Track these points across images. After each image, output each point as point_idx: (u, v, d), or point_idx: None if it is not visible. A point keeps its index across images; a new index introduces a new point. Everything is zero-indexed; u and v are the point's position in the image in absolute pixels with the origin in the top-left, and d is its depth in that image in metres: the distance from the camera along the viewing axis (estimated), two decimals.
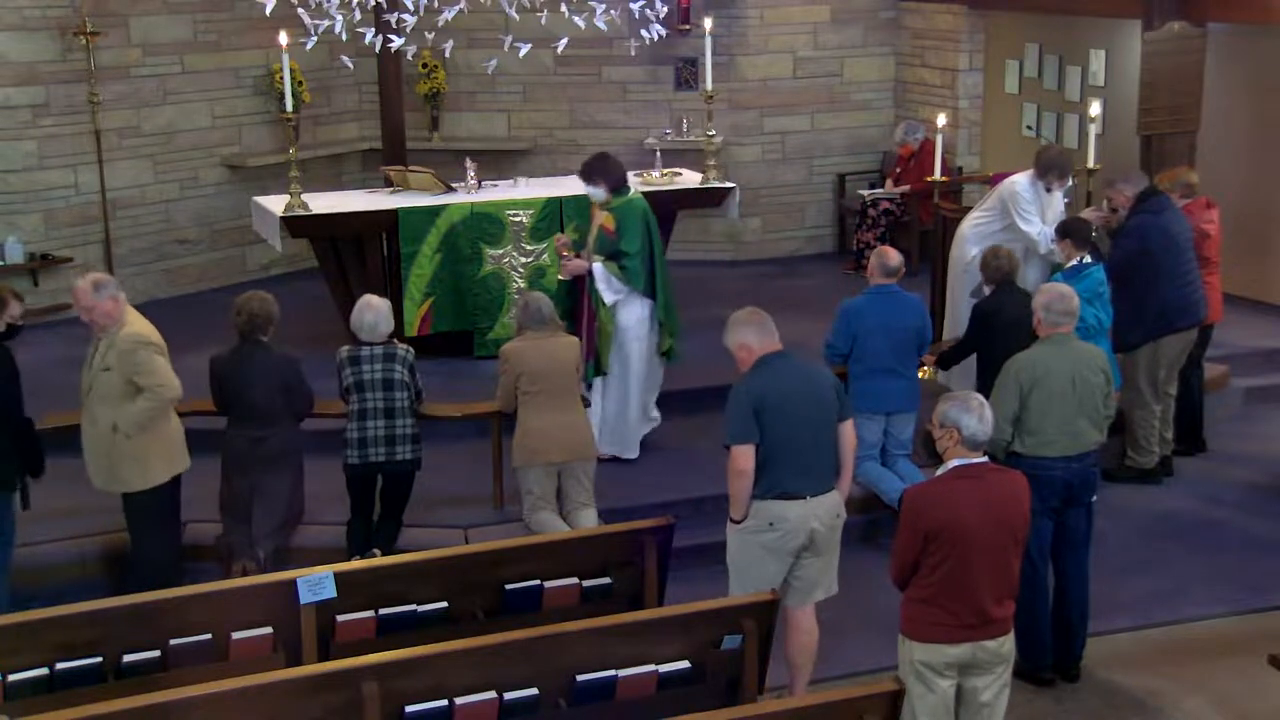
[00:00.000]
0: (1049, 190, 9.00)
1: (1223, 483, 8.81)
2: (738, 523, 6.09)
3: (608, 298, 8.38)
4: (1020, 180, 9.09)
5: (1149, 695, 6.63)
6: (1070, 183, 9.18)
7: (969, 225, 9.30)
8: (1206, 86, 10.23)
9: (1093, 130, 9.50)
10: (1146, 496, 8.66)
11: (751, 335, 6.09)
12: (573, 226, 9.59)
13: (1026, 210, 8.91)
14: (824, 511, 6.08)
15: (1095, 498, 6.76)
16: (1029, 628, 6.67)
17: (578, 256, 8.55)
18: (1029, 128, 12.27)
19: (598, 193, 8.50)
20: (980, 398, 5.41)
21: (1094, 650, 6.85)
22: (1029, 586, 6.65)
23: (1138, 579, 7.69)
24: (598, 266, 8.35)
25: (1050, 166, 8.95)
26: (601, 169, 8.52)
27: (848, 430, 6.18)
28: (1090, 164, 9.46)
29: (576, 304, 8.53)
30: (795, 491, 6.00)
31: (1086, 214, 9.00)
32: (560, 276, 8.71)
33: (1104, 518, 7.66)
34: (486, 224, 9.84)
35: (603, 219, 8.46)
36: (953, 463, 5.37)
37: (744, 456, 5.95)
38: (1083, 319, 7.07)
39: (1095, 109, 9.63)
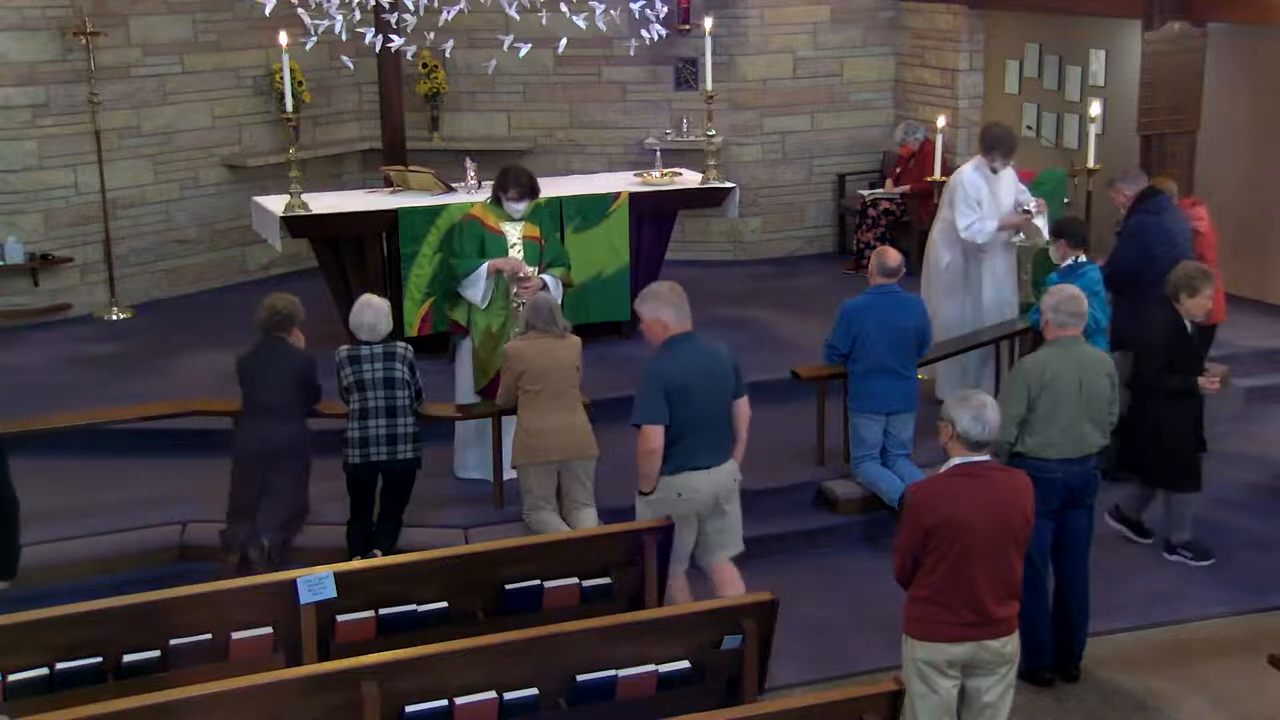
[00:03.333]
0: (994, 170, 9.01)
1: (1223, 483, 8.78)
2: (647, 494, 6.48)
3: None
4: (965, 170, 9.13)
5: (1149, 695, 6.64)
6: (1010, 163, 9.13)
7: (937, 230, 9.34)
8: (1206, 86, 10.23)
9: (1093, 130, 9.50)
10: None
11: (670, 314, 6.44)
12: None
13: (964, 201, 8.95)
14: (724, 477, 6.56)
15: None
16: (1029, 628, 6.65)
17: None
18: (1029, 128, 12.27)
19: (523, 207, 8.42)
20: (985, 397, 5.38)
21: (1094, 650, 6.85)
22: (1029, 587, 6.62)
23: (1138, 579, 7.69)
24: (550, 279, 8.32)
25: (995, 143, 8.97)
26: (532, 183, 8.42)
27: (742, 406, 6.63)
28: (1090, 164, 9.46)
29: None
30: (702, 465, 6.46)
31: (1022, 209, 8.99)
32: (524, 300, 8.12)
33: (1104, 518, 7.67)
34: None
35: (524, 230, 8.37)
36: (954, 460, 5.38)
37: (656, 436, 6.34)
38: None
39: (1095, 109, 9.63)
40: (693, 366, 6.38)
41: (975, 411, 5.29)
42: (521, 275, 8.21)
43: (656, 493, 6.46)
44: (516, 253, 8.31)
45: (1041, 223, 9.05)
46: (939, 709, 5.43)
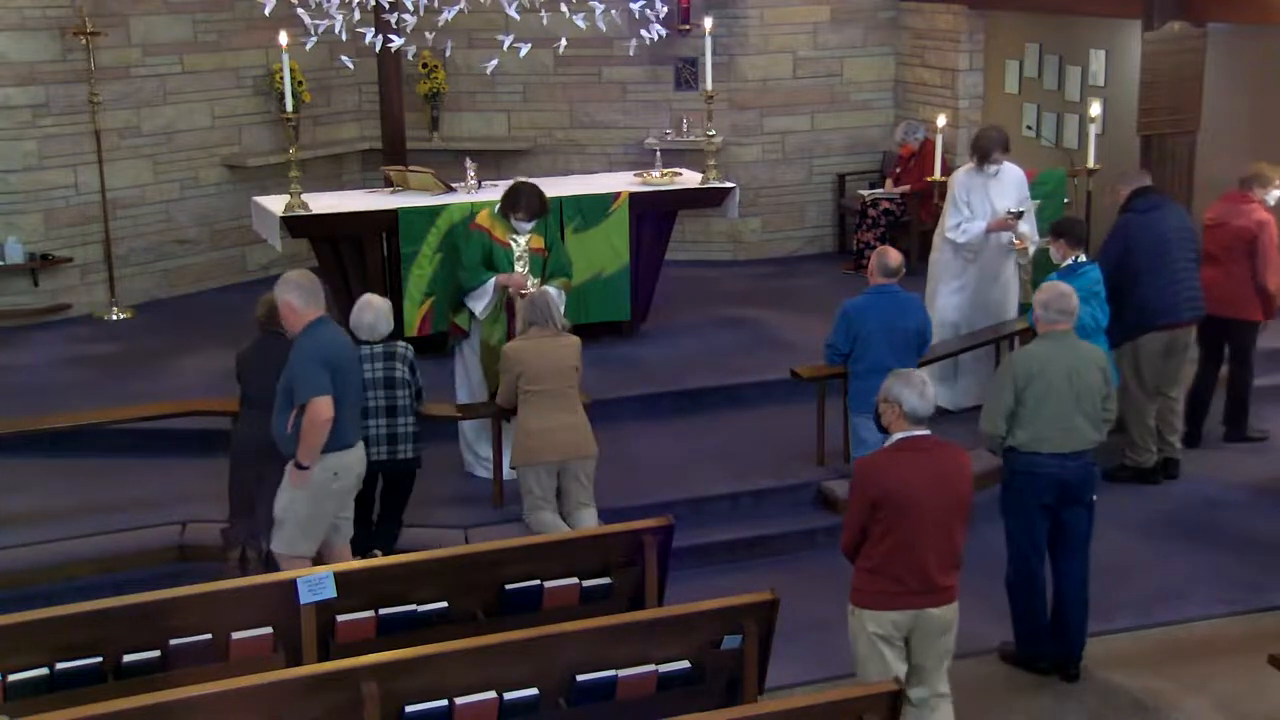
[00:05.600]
0: (988, 171, 9.06)
1: (1223, 483, 8.80)
2: (304, 469, 6.56)
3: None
4: (958, 173, 9.28)
5: (1149, 695, 6.64)
6: (1001, 163, 9.14)
7: (939, 234, 9.36)
8: (1206, 86, 10.22)
9: (1093, 130, 9.50)
10: (1146, 496, 8.66)
11: (297, 297, 6.64)
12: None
13: (952, 202, 9.10)
14: (362, 455, 6.86)
15: (1094, 497, 6.75)
16: (1027, 627, 6.70)
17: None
18: (1029, 128, 12.26)
19: (530, 227, 8.41)
20: (923, 375, 5.64)
21: (1094, 650, 6.85)
22: (1026, 584, 6.67)
23: (1138, 579, 7.69)
24: (555, 291, 8.29)
25: (976, 148, 9.13)
26: (542, 206, 8.42)
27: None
28: (1090, 164, 9.45)
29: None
30: (352, 442, 6.75)
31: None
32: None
33: (1104, 517, 7.66)
34: None
35: (531, 242, 8.39)
36: (896, 435, 5.59)
37: (328, 406, 6.47)
38: (1078, 318, 7.05)
39: (1095, 109, 9.63)
40: (338, 347, 6.63)
41: (919, 389, 5.55)
42: (523, 293, 8.21)
43: (314, 473, 6.55)
44: (522, 265, 8.35)
45: (1027, 227, 9.07)
46: (885, 671, 5.57)
